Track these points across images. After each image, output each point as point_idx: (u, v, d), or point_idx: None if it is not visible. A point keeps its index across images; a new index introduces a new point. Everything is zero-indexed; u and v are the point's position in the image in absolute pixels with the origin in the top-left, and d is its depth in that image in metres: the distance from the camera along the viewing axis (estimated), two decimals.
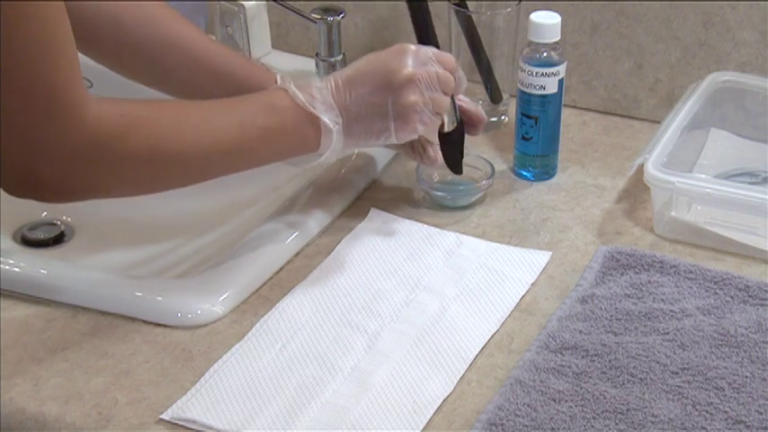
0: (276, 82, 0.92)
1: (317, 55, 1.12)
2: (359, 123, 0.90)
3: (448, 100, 0.94)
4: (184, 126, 0.84)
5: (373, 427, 0.78)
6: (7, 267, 0.91)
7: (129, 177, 0.82)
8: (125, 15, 0.92)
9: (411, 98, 0.90)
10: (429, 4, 1.00)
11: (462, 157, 1.01)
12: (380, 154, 1.08)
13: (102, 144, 0.78)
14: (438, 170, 1.04)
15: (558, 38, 1.01)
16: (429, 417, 0.79)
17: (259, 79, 0.94)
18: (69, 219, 1.10)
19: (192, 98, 0.93)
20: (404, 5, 1.18)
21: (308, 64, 1.15)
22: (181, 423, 0.79)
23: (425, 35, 0.97)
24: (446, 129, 0.98)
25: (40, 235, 1.08)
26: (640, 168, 0.96)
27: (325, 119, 0.88)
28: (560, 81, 1.02)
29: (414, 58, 0.91)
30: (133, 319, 0.88)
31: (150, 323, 0.88)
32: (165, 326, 0.88)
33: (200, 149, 0.84)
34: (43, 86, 0.74)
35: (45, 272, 0.91)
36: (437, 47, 0.96)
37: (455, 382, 0.82)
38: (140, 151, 0.80)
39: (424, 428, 0.79)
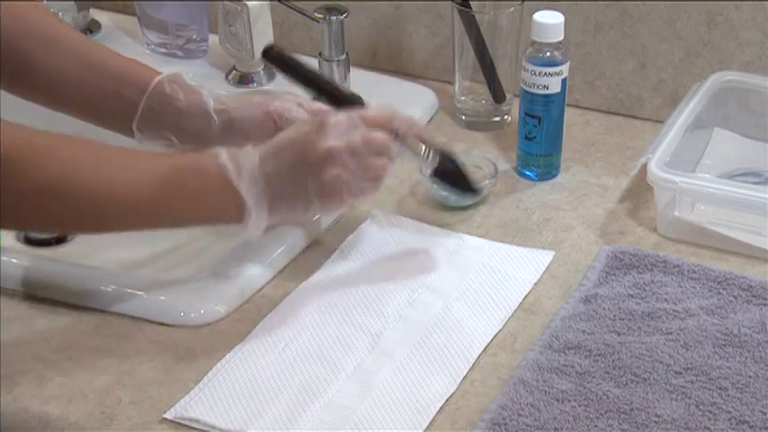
0: (156, 78, 0.91)
1: (320, 54, 1.12)
2: (282, 200, 0.85)
3: (381, 162, 0.86)
4: (102, 165, 0.81)
5: (376, 427, 0.78)
6: (10, 266, 0.91)
7: (30, 207, 0.78)
8: None
9: (332, 172, 0.84)
10: (428, 4, 0.98)
11: (466, 181, 0.95)
12: None
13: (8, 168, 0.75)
14: None
15: (562, 37, 1.01)
16: (432, 416, 0.79)
17: (138, 72, 0.92)
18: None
19: (63, 94, 0.90)
20: (407, 5, 1.19)
21: (312, 64, 1.15)
22: (184, 422, 0.79)
23: (310, 83, 0.91)
24: (428, 170, 0.93)
25: (42, 234, 1.08)
26: (644, 168, 0.96)
27: (247, 196, 0.83)
28: (563, 81, 1.01)
29: (334, 130, 0.84)
30: (136, 319, 0.88)
31: (153, 322, 0.88)
32: (168, 325, 0.88)
33: (114, 195, 0.81)
34: None
35: (48, 271, 0.91)
36: (323, 89, 0.91)
37: (458, 381, 0.82)
38: (47, 183, 0.78)
39: (428, 428, 0.79)
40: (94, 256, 1.02)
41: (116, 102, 0.92)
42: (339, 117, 0.86)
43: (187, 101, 0.92)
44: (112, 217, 0.82)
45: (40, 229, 0.84)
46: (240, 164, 0.84)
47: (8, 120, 0.76)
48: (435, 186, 1.02)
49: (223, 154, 0.84)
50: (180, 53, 1.22)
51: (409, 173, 1.06)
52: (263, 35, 1.16)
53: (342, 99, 0.90)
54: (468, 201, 1.02)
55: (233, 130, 0.92)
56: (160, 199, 0.82)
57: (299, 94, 0.96)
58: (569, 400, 0.79)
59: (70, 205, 0.80)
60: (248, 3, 1.14)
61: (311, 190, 0.85)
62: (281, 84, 1.18)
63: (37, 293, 0.90)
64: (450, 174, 0.94)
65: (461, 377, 0.83)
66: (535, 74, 1.01)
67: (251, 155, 0.84)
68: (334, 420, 0.79)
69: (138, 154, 0.84)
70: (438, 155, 0.93)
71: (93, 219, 0.82)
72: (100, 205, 0.81)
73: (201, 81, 1.16)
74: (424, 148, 0.92)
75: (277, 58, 0.90)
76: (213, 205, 0.84)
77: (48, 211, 0.79)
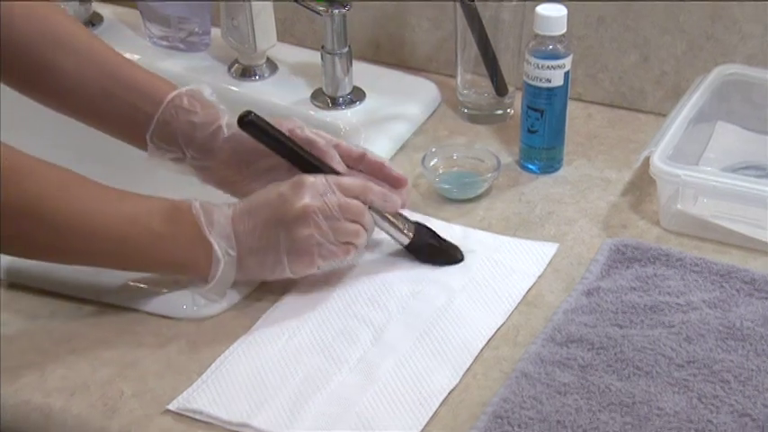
0: (174, 92, 0.91)
1: (322, 48, 1.12)
2: (252, 257, 0.85)
3: (353, 227, 0.87)
4: (78, 195, 0.81)
5: (379, 419, 0.78)
6: (13, 259, 0.91)
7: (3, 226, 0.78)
8: (12, 14, 0.88)
9: (304, 232, 0.84)
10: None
11: (444, 253, 0.93)
12: (385, 146, 1.08)
13: None
14: (443, 162, 1.04)
15: (564, 30, 1.01)
16: (434, 409, 0.79)
17: (157, 85, 0.92)
18: None
19: (77, 99, 0.90)
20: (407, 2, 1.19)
21: (314, 57, 1.15)
22: (187, 414, 0.79)
23: (285, 150, 0.90)
24: (404, 243, 0.92)
25: None
26: (646, 161, 0.96)
27: (217, 248, 0.84)
28: (566, 74, 1.01)
29: (310, 190, 0.85)
30: (139, 312, 0.88)
31: (156, 315, 0.88)
32: (170, 318, 0.88)
33: (84, 227, 0.81)
34: None
35: (51, 264, 0.91)
36: (299, 157, 0.90)
37: (461, 374, 0.82)
38: (24, 203, 0.78)
39: (430, 420, 0.79)
40: None
41: (132, 113, 0.92)
42: (316, 179, 0.87)
43: (203, 114, 0.92)
44: (79, 249, 0.83)
45: (11, 251, 0.83)
46: (213, 218, 0.85)
47: None
48: (438, 180, 1.02)
49: (196, 204, 0.85)
50: (182, 46, 1.22)
51: (412, 166, 1.06)
52: (266, 28, 1.16)
53: (315, 167, 0.90)
54: (470, 195, 1.02)
55: (243, 147, 0.92)
56: (129, 238, 0.83)
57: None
58: (572, 393, 0.79)
59: (43, 230, 0.80)
60: None
61: (282, 246, 0.85)
62: (284, 76, 1.19)
63: (39, 286, 0.90)
64: (428, 248, 0.93)
65: (464, 370, 0.83)
66: (538, 67, 1.01)
67: (224, 210, 0.85)
68: (336, 412, 0.79)
69: (115, 191, 0.84)
70: (414, 228, 0.92)
71: (62, 247, 0.82)
72: (69, 236, 0.81)
73: (203, 75, 1.17)
74: (400, 221, 0.92)
75: (252, 125, 0.88)
76: (182, 253, 0.85)
77: (20, 234, 0.80)
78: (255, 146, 0.91)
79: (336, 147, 0.93)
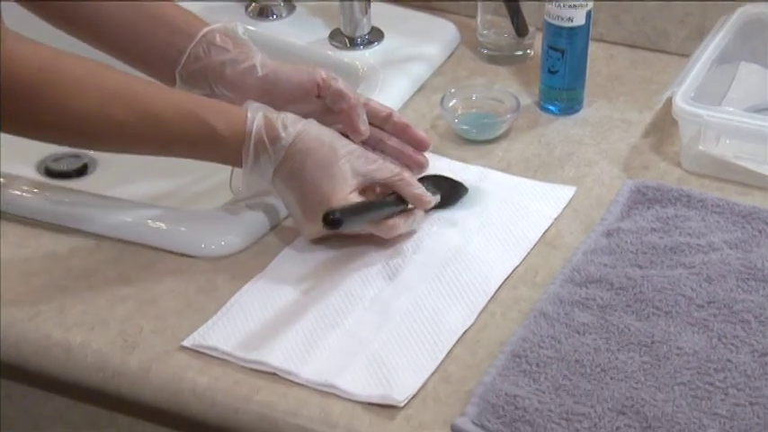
0: (206, 28, 0.91)
1: None
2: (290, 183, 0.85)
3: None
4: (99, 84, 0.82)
5: (393, 357, 0.78)
6: (33, 198, 0.91)
7: (38, 125, 0.80)
8: None
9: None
10: None
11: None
12: (403, 87, 1.07)
13: (11, 91, 0.77)
14: (462, 103, 1.03)
15: None
16: (449, 348, 0.79)
17: (190, 22, 0.92)
18: (92, 151, 1.10)
19: (107, 32, 0.91)
20: None
21: (332, 4, 1.14)
22: (202, 350, 0.79)
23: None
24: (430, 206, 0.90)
25: (63, 166, 1.09)
26: (668, 103, 0.95)
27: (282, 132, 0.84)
28: (588, 13, 1.00)
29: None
30: (158, 249, 0.88)
31: (174, 253, 0.88)
32: (189, 256, 0.88)
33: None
34: None
35: (70, 202, 0.92)
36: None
37: (476, 314, 0.82)
38: (53, 105, 0.79)
39: (448, 359, 0.79)
40: (114, 188, 1.02)
41: (163, 48, 0.92)
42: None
43: (235, 52, 0.91)
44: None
45: (48, 140, 0.86)
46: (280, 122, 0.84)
47: (32, 40, 0.77)
48: (457, 121, 1.02)
49: (259, 109, 0.84)
50: None
51: (431, 107, 1.05)
52: None
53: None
54: (489, 136, 1.01)
55: (276, 89, 0.91)
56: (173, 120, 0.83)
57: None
58: (590, 333, 0.79)
59: (100, 126, 0.81)
60: None
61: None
62: (301, 16, 1.17)
63: (59, 224, 0.90)
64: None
65: (479, 310, 0.82)
66: (560, 6, 0.99)
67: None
68: (351, 350, 0.79)
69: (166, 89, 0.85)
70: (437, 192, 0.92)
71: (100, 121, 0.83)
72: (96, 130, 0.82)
73: (220, 15, 1.15)
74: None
75: (339, 223, 0.82)
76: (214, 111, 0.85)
77: (51, 129, 0.81)
78: (288, 91, 0.90)
79: (365, 105, 0.92)
